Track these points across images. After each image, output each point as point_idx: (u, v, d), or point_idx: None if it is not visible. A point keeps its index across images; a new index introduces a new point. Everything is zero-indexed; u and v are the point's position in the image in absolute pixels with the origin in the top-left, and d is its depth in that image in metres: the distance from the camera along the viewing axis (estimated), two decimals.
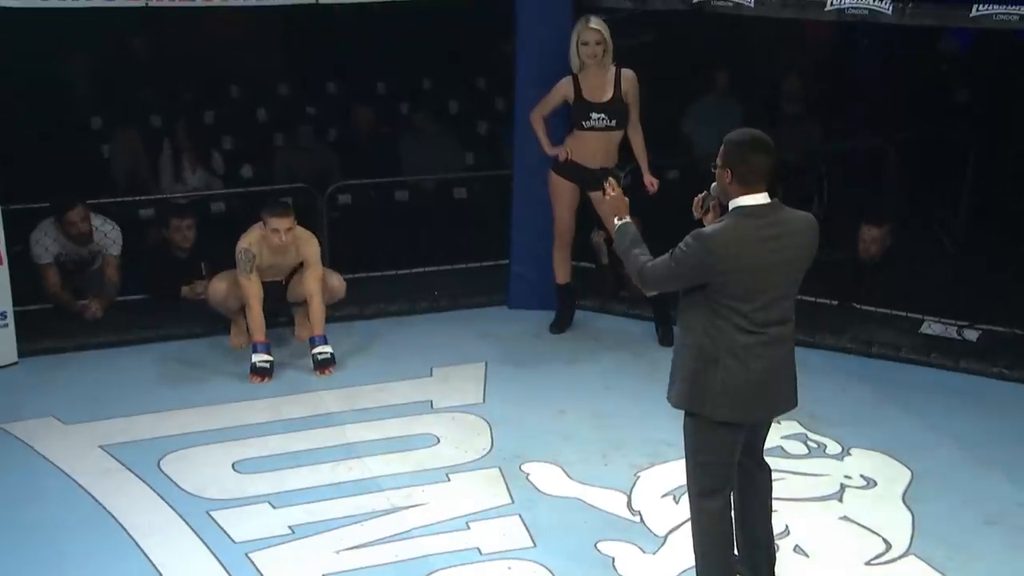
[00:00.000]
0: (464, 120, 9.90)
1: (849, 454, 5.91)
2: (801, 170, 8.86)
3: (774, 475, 5.64)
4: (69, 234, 7.18)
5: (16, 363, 6.77)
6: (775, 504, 5.34)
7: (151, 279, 7.55)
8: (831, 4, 6.60)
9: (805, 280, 4.42)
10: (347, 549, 5.06)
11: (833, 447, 5.97)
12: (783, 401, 4.52)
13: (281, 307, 7.15)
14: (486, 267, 7.96)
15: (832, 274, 7.16)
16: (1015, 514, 5.41)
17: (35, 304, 7.24)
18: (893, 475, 5.71)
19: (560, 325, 7.34)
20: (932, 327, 7.17)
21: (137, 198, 8.26)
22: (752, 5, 6.77)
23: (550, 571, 4.92)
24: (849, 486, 5.62)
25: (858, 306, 7.38)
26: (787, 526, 5.26)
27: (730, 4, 6.81)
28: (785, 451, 5.90)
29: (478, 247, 8.05)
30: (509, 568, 4.94)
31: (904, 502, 5.49)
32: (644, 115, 6.98)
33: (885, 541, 5.19)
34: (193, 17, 8.59)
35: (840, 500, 5.52)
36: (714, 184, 4.44)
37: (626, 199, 4.71)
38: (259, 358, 6.64)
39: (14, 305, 6.85)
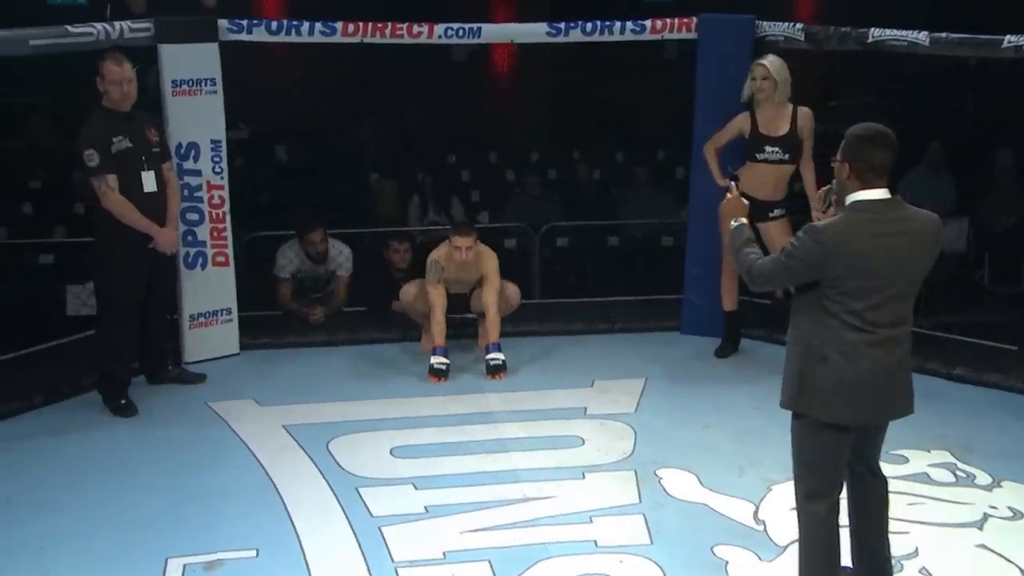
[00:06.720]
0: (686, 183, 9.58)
1: (1000, 486, 5.06)
2: (1012, 236, 8.18)
3: (913, 500, 4.99)
4: (308, 253, 7.24)
5: (238, 354, 6.75)
6: (907, 526, 4.69)
7: (370, 293, 7.44)
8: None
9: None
10: (471, 531, 4.67)
11: (983, 478, 5.12)
12: (893, 407, 3.88)
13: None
14: (668, 299, 7.32)
15: None
16: None
17: (264, 310, 7.22)
18: None
19: (724, 350, 6.69)
20: None
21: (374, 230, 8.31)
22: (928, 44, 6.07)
23: (660, 568, 4.38)
24: (993, 516, 4.80)
25: None
26: (916, 548, 4.53)
27: (904, 43, 6.12)
28: (930, 478, 5.13)
29: (668, 282, 7.39)
30: (620, 562, 4.43)
31: None
32: None
33: (1022, 572, 4.36)
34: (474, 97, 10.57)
35: (980, 528, 4.70)
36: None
37: (745, 202, 4.17)
38: (437, 360, 6.37)
39: (250, 310, 6.94)
